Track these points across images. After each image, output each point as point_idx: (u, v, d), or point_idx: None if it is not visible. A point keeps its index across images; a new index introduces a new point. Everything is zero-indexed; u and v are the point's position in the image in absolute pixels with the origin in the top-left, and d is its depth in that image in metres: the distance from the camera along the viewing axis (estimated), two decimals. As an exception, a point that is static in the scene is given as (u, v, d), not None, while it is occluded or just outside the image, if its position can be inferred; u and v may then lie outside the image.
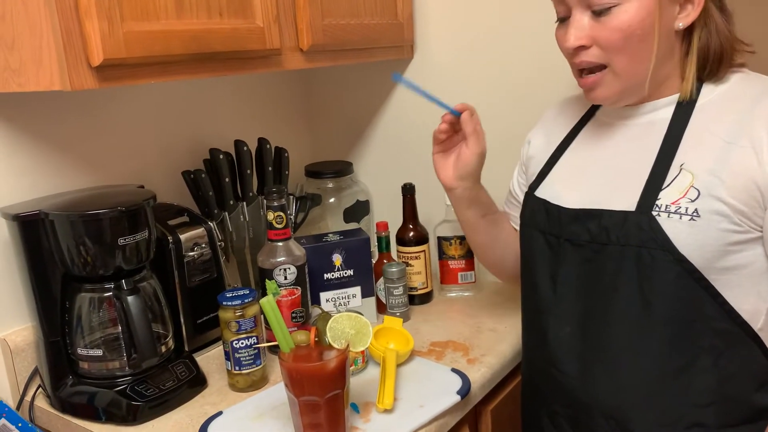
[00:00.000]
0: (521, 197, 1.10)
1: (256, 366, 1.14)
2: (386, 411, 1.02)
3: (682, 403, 0.89)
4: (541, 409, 1.05)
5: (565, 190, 1.00)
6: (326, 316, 0.95)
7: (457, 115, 1.05)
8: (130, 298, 1.05)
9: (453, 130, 1.08)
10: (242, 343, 1.13)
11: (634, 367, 0.91)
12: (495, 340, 1.27)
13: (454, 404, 1.06)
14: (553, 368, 0.99)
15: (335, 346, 0.93)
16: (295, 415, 0.94)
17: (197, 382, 1.16)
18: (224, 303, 1.13)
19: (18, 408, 1.16)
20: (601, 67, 0.90)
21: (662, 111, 0.93)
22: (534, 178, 1.07)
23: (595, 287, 0.93)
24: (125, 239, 1.07)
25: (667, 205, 0.86)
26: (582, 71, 0.93)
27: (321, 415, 0.92)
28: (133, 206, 1.07)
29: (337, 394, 0.92)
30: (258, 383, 1.15)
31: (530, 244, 1.04)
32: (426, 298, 1.46)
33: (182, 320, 1.25)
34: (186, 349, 1.25)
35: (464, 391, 1.08)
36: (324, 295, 1.33)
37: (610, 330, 0.92)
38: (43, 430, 1.14)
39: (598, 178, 0.97)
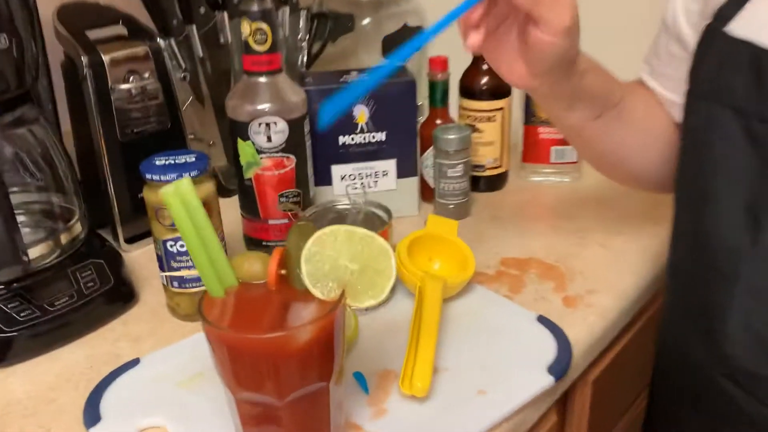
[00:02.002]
0: (691, 39, 0.60)
1: (209, 283, 0.68)
2: (416, 398, 0.56)
3: None
4: (679, 420, 0.63)
5: None
6: (306, 227, 0.46)
7: None
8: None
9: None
10: (181, 247, 0.66)
11: None
12: (608, 264, 0.77)
13: (542, 392, 0.58)
14: (724, 370, 0.57)
15: (316, 294, 0.44)
16: (234, 415, 0.48)
17: (116, 297, 0.72)
18: (149, 176, 0.65)
19: None
20: None
21: None
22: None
23: None
24: (-44, 47, 0.58)
25: None
26: None
27: (282, 424, 0.46)
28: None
29: (320, 390, 0.45)
30: (212, 310, 0.70)
31: (708, 134, 0.56)
32: (497, 182, 0.95)
33: (111, 193, 0.80)
34: (121, 237, 0.82)
35: (561, 369, 0.60)
36: (337, 170, 0.85)
37: None
38: None
39: None
